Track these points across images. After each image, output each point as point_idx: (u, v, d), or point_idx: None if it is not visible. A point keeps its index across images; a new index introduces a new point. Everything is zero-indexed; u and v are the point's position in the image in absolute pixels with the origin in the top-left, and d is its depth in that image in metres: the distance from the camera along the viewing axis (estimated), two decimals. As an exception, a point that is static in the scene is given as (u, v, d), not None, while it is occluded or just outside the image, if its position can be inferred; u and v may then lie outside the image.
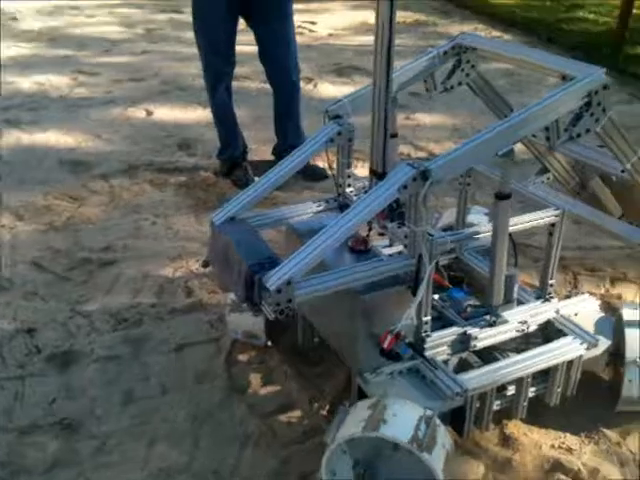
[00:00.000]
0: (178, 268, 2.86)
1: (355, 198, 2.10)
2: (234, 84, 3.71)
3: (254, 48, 3.59)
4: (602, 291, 2.71)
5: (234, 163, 3.74)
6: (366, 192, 2.09)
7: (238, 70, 3.71)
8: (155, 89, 5.18)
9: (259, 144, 4.08)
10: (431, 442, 1.54)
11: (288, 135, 3.80)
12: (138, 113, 4.70)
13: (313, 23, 7.29)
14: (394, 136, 2.00)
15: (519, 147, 1.79)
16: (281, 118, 3.80)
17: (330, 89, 5.25)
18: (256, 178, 3.67)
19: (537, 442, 1.99)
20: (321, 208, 2.15)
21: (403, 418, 1.57)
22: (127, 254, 2.98)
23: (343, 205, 2.13)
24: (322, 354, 2.23)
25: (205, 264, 2.08)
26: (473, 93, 2.29)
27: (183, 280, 2.77)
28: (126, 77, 5.42)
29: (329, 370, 2.22)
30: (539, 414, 2.02)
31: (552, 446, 1.98)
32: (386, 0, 1.76)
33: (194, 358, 2.34)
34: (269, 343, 2.34)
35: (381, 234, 2.03)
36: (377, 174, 1.96)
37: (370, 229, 1.96)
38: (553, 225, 1.96)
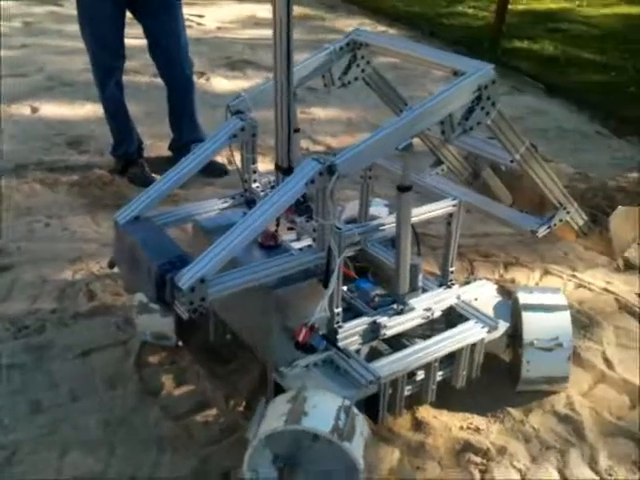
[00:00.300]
0: (78, 271, 2.77)
1: (262, 194, 2.11)
2: (124, 78, 3.61)
3: (142, 41, 3.52)
4: (497, 276, 2.86)
5: (129, 160, 3.65)
6: (273, 187, 2.11)
7: (127, 64, 3.61)
8: (39, 85, 4.96)
9: (154, 140, 4.00)
10: (351, 431, 1.58)
11: (184, 130, 3.76)
12: (22, 110, 4.49)
13: (201, 16, 7.20)
14: (296, 131, 2.02)
15: (414, 140, 1.86)
16: (176, 113, 3.74)
17: (223, 83, 5.22)
18: (154, 175, 3.61)
19: (447, 424, 2.08)
20: (227, 204, 2.15)
21: (323, 409, 1.60)
22: (22, 258, 2.85)
23: (250, 201, 2.14)
24: (235, 351, 2.23)
25: (111, 265, 2.02)
26: (369, 88, 2.35)
27: (84, 283, 2.69)
28: (6, 72, 5.14)
29: (243, 367, 2.22)
30: (447, 397, 2.11)
31: (461, 427, 2.08)
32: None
33: (102, 363, 2.28)
34: (180, 343, 2.31)
35: (290, 228, 2.05)
36: (283, 169, 1.98)
37: (278, 224, 1.98)
38: (451, 215, 2.05)
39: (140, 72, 5.02)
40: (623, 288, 2.81)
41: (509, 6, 6.89)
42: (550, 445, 2.04)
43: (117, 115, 3.61)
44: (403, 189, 1.87)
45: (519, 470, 1.95)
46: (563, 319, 2.15)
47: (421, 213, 2.01)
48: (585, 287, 2.82)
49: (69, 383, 2.20)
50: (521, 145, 1.98)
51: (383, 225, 1.99)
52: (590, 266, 2.96)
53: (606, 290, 2.80)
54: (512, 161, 2.04)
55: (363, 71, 2.26)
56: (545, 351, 2.11)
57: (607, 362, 2.38)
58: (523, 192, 2.45)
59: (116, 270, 2.04)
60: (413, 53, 2.12)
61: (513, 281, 2.82)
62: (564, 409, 2.16)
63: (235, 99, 2.12)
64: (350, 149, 1.74)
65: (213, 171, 3.52)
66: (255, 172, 2.16)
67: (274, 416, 1.62)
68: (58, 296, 2.61)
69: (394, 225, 1.95)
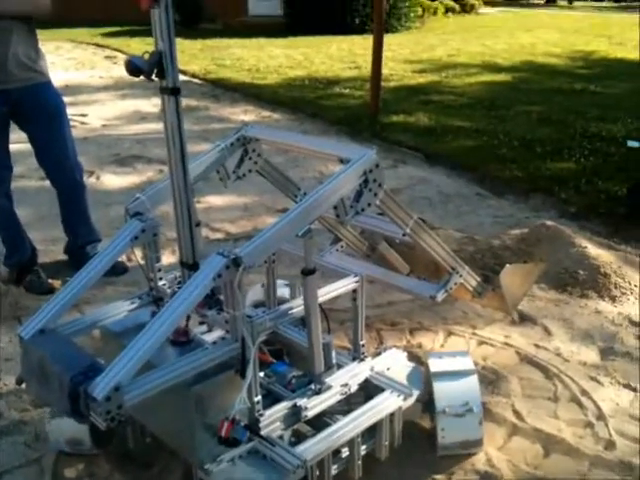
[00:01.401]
0: (-21, 390, 2.64)
1: (169, 291, 2.13)
2: (11, 185, 3.55)
3: (25, 145, 3.49)
4: (404, 342, 2.95)
5: (24, 268, 3.55)
6: (179, 283, 2.14)
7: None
8: None
9: (47, 244, 3.92)
10: None
11: (79, 233, 3.72)
12: None
13: (84, 115, 7.21)
14: (197, 225, 2.06)
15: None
16: (69, 217, 3.70)
17: (114, 180, 5.21)
18: (51, 281, 3.53)
19: (375, 499, 2.11)
20: (135, 305, 2.14)
21: None
22: None
23: (157, 299, 2.15)
24: (155, 453, 2.18)
25: (19, 381, 1.96)
26: (263, 178, 2.44)
27: (-12, 403, 2.56)
28: None
29: (165, 468, 2.17)
30: (373, 470, 2.14)
31: (389, 500, 2.11)
32: (171, 98, 1.85)
33: (17, 485, 2.17)
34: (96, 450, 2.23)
35: (201, 322, 2.07)
36: (189, 266, 2.01)
37: (189, 318, 1.99)
38: (355, 291, 2.14)
39: (26, 176, 4.93)
40: (521, 340, 2.98)
41: (382, 83, 7.34)
42: (475, 503, 2.10)
43: (8, 226, 3.53)
44: (307, 272, 1.95)
45: (451, 534, 1.99)
46: (471, 384, 2.24)
47: (327, 293, 2.09)
48: (487, 343, 2.95)
49: (-17, 513, 2.08)
50: (409, 219, 2.11)
51: (292, 308, 2.05)
52: (488, 322, 3.11)
53: (506, 344, 2.94)
54: (404, 234, 2.16)
55: (256, 163, 2.35)
56: (457, 417, 2.19)
57: (517, 414, 2.48)
58: (418, 261, 2.59)
59: (22, 386, 1.97)
60: (301, 145, 2.25)
61: (420, 346, 2.91)
62: (484, 466, 2.23)
63: (133, 201, 2.14)
64: (253, 241, 1.80)
65: (113, 270, 3.46)
66: (160, 270, 2.18)
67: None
68: (-40, 420, 2.47)
69: (302, 307, 2.01)
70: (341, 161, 2.01)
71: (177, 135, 1.89)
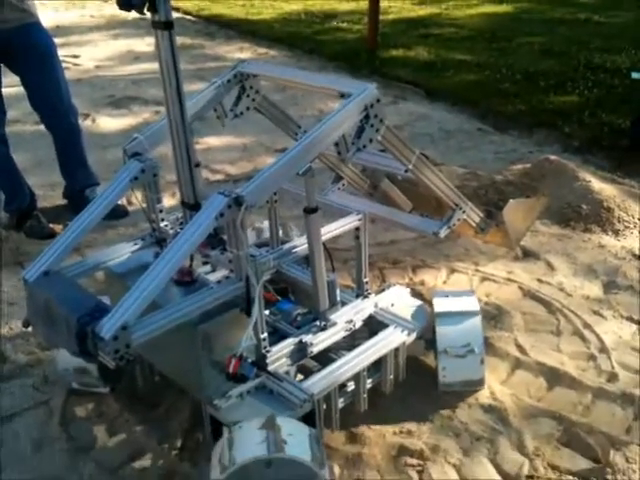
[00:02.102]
0: (-14, 334, 2.66)
1: (171, 232, 2.11)
2: (6, 130, 3.50)
3: (19, 89, 3.43)
4: (407, 280, 2.95)
5: (24, 214, 3.53)
6: (182, 224, 2.12)
7: (8, 115, 3.49)
8: None
9: (46, 189, 3.89)
10: (322, 458, 1.63)
11: (77, 177, 3.69)
12: None
13: (76, 56, 7.06)
14: (197, 165, 2.03)
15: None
16: (66, 161, 3.66)
17: (110, 122, 5.14)
18: (51, 225, 3.52)
19: (380, 432, 2.13)
20: (138, 246, 2.13)
21: (298, 437, 1.63)
22: None
23: (160, 240, 2.14)
24: (162, 393, 2.21)
25: (26, 324, 1.97)
26: (262, 115, 2.39)
27: (-5, 346, 2.58)
28: None
29: (173, 407, 2.20)
30: (378, 404, 2.17)
31: (394, 433, 2.13)
32: (165, 33, 1.79)
33: (27, 426, 2.20)
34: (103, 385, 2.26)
35: (205, 262, 2.06)
36: (189, 205, 1.99)
37: (192, 259, 1.98)
38: (358, 229, 2.13)
39: (21, 121, 4.86)
40: (524, 276, 2.98)
41: (380, 17, 7.15)
42: (479, 436, 2.13)
43: (5, 171, 3.49)
44: (310, 211, 1.93)
45: (454, 465, 2.02)
46: (474, 325, 2.24)
47: (329, 231, 2.08)
48: (490, 279, 2.96)
49: (-6, 452, 2.11)
50: (412, 155, 2.08)
51: (295, 247, 2.05)
52: (491, 259, 3.11)
53: (509, 280, 2.95)
54: (406, 170, 2.14)
55: (254, 100, 2.30)
56: (458, 357, 2.21)
57: (520, 348, 2.50)
58: (421, 197, 2.57)
59: (29, 329, 1.98)
60: (299, 79, 2.19)
61: (423, 283, 2.92)
62: (487, 400, 2.26)
63: (130, 142, 2.10)
64: (254, 179, 1.78)
65: (113, 213, 3.45)
66: (161, 211, 2.16)
67: (251, 443, 1.60)
68: (-31, 363, 2.50)
69: (305, 245, 2.00)
70: (342, 96, 1.96)
71: (172, 72, 1.83)
